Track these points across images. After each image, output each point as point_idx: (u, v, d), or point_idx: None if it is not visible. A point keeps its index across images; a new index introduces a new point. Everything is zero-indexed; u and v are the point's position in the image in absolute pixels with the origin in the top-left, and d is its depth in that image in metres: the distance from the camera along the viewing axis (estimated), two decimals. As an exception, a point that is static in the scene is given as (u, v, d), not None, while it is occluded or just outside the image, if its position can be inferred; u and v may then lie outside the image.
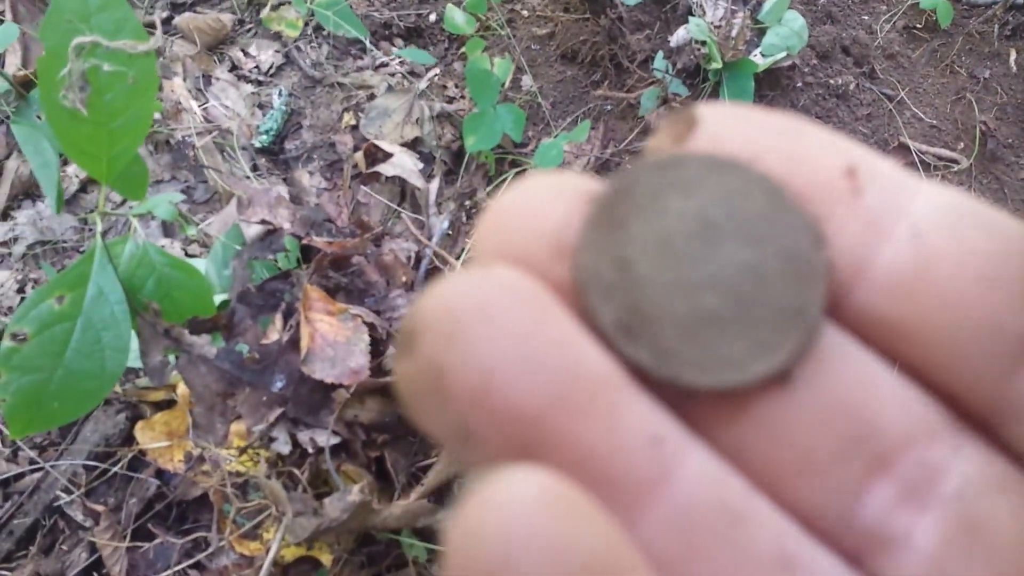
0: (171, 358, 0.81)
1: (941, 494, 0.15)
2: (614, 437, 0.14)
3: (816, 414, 0.15)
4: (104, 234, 0.72)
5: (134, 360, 0.91)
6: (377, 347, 0.88)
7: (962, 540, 0.15)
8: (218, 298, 0.84)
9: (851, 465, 0.15)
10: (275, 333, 0.86)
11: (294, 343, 0.82)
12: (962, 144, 1.25)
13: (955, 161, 1.23)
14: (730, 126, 0.16)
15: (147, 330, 0.74)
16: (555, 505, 0.12)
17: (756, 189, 0.16)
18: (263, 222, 0.86)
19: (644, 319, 0.15)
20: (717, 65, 1.05)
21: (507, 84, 1.12)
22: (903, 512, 0.15)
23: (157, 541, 0.83)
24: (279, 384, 0.81)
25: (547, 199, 0.15)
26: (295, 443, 0.80)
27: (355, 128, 1.12)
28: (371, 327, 0.87)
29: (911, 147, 1.22)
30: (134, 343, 0.80)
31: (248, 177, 1.02)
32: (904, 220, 0.16)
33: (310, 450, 0.78)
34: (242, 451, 0.78)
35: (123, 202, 1.00)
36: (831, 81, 1.23)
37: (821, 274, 0.15)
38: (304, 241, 0.91)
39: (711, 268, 0.16)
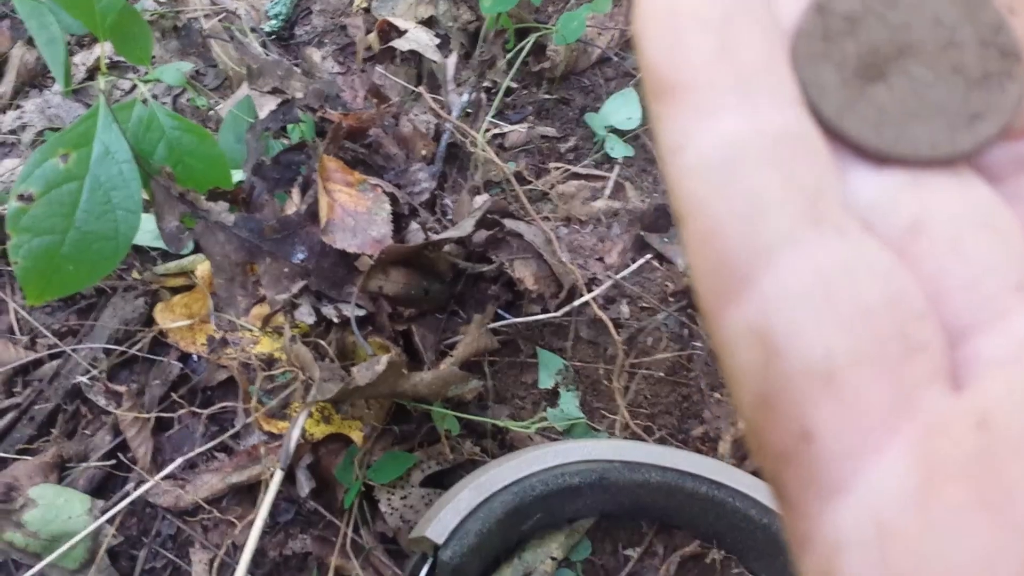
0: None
1: None
2: None
3: None
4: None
5: (154, 241, 0.88)
6: (399, 221, 0.85)
7: None
8: (235, 176, 0.81)
9: None
10: (293, 207, 0.82)
11: (313, 215, 0.79)
12: None
13: None
14: None
15: (161, 193, 0.71)
16: None
17: None
18: (275, 91, 0.82)
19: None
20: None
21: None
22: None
23: (182, 424, 0.81)
24: (300, 255, 0.77)
25: None
26: (319, 317, 0.77)
27: (367, 11, 1.07)
28: (392, 199, 0.83)
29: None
30: (151, 224, 0.77)
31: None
32: None
33: (335, 320, 0.75)
34: (265, 322, 0.75)
35: (132, 89, 0.97)
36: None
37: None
38: (318, 114, 0.87)
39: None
